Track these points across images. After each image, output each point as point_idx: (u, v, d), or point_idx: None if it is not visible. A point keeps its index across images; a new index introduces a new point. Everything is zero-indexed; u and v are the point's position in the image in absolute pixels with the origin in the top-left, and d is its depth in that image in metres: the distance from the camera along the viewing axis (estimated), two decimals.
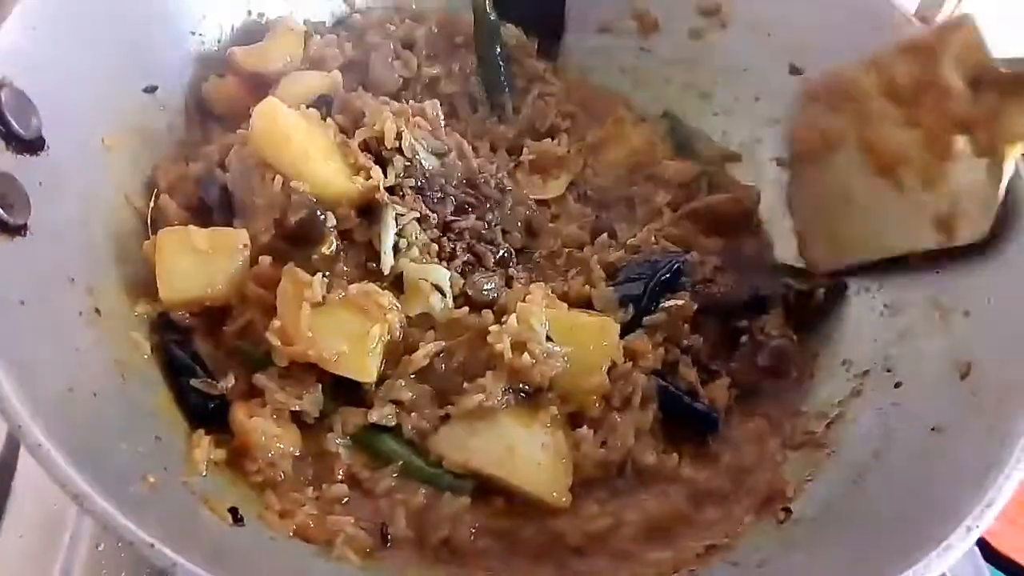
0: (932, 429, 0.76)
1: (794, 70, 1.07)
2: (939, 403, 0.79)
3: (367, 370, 0.78)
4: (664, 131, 1.14)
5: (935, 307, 0.86)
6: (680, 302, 0.91)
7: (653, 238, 0.99)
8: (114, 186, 0.86)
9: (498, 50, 1.10)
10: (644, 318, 0.91)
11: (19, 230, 0.71)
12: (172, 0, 0.95)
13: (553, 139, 1.10)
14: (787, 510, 0.79)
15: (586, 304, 0.93)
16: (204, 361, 0.80)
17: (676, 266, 0.94)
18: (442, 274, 0.85)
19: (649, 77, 1.18)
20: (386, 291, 0.81)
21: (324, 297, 0.78)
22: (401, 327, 0.82)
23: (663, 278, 0.93)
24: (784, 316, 0.95)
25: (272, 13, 1.07)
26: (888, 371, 0.87)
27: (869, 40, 0.97)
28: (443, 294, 0.85)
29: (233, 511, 0.69)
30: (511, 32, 1.13)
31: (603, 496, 0.81)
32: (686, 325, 0.91)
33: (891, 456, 0.78)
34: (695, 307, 0.92)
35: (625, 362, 0.86)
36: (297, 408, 0.77)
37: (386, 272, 0.84)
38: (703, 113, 1.15)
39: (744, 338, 0.93)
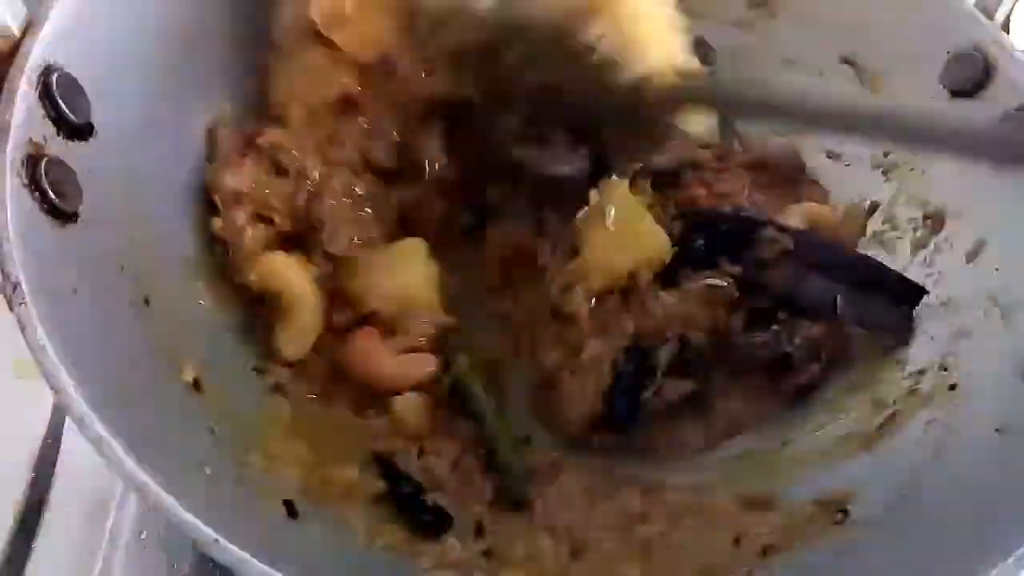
0: (996, 431, 0.74)
1: (846, 61, 1.05)
2: (1001, 405, 0.77)
3: None
4: None
5: (995, 304, 0.84)
6: (722, 282, 0.88)
7: (745, 188, 0.97)
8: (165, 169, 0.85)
9: None
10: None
11: (71, 217, 0.70)
12: None
13: None
14: (844, 511, 0.78)
15: None
16: None
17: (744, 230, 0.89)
18: None
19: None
20: None
21: None
22: None
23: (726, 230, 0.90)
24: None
25: None
26: (944, 370, 0.85)
27: (925, 30, 0.95)
28: None
29: (288, 503, 0.69)
30: None
31: None
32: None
33: (952, 457, 0.76)
34: (736, 294, 0.88)
35: None
36: None
37: None
38: None
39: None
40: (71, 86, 0.74)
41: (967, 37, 0.92)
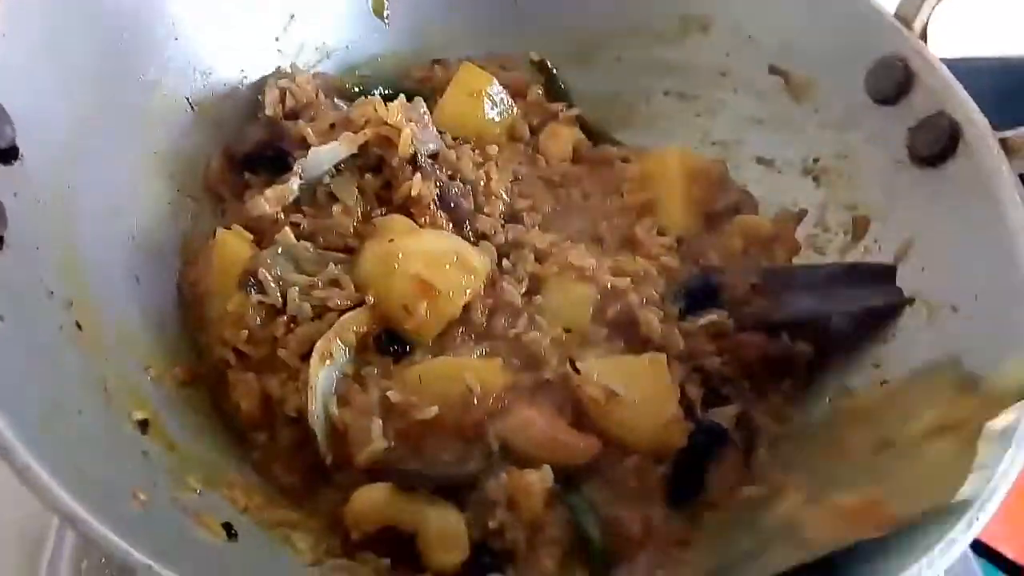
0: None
1: (774, 71, 1.08)
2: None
3: None
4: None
5: (922, 303, 0.87)
6: (713, 317, 0.90)
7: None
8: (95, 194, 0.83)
9: None
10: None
11: None
12: (149, 5, 0.92)
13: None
14: None
15: None
16: None
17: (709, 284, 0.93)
18: None
19: (626, 80, 1.17)
20: None
21: None
22: None
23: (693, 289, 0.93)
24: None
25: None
26: (876, 366, 0.88)
27: (849, 40, 0.99)
28: None
29: (227, 526, 0.67)
30: None
31: None
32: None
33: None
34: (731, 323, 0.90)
35: None
36: None
37: None
38: (685, 115, 1.15)
39: None
40: None
41: (889, 47, 0.95)
